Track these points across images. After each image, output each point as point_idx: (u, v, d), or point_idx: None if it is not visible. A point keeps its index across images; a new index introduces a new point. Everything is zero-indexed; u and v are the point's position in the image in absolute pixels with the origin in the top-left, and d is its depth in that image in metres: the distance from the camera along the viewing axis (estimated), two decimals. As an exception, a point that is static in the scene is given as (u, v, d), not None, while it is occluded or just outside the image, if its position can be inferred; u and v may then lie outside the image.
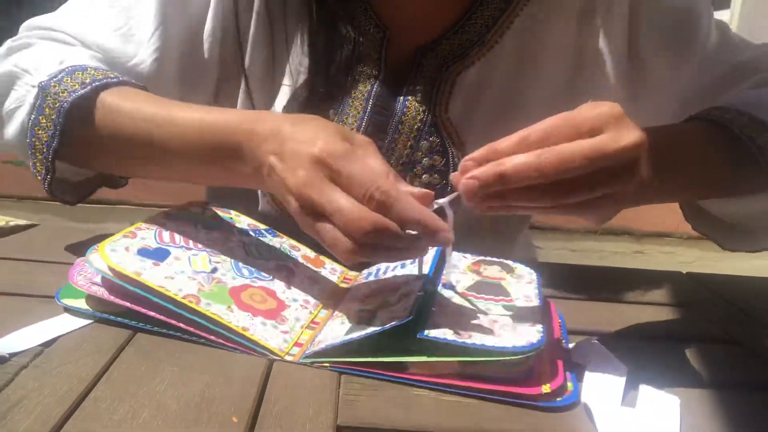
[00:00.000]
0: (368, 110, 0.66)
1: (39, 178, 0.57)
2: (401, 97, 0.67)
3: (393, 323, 0.44)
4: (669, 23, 0.68)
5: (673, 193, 0.54)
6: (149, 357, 0.44)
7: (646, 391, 0.44)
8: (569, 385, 0.44)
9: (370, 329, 0.45)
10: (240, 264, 0.54)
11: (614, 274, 0.73)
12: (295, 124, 0.48)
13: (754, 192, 0.58)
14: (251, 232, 0.60)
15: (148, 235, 0.53)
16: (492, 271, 0.57)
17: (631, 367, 0.47)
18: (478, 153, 0.42)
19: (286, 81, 0.68)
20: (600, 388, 0.44)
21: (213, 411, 0.38)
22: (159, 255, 0.51)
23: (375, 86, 0.67)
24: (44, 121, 0.54)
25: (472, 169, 0.41)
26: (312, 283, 0.56)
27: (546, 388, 0.42)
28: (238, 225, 0.60)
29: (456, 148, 0.68)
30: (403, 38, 0.67)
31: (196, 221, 0.57)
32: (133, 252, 0.50)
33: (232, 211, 0.62)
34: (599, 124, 0.40)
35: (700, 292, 0.69)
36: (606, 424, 0.40)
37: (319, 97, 0.66)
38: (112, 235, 0.51)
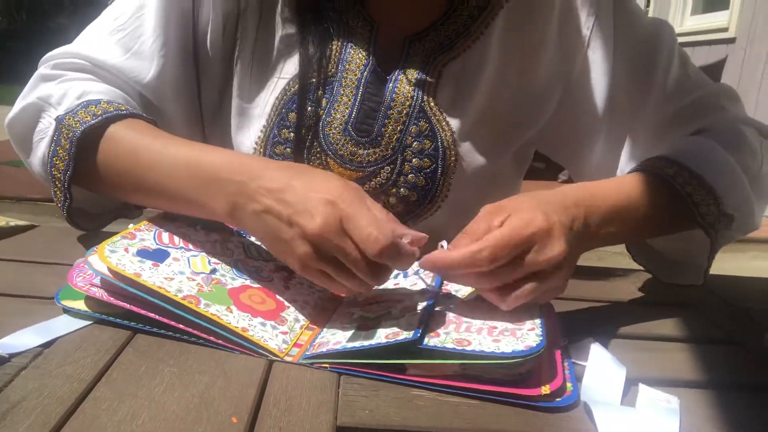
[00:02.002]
0: (359, 97, 0.68)
1: (59, 205, 0.61)
2: (390, 84, 0.69)
3: (399, 339, 0.44)
4: (636, 58, 0.71)
5: (619, 240, 0.61)
6: (149, 358, 0.44)
7: (645, 390, 0.44)
8: (568, 385, 0.44)
9: (375, 341, 0.45)
10: (239, 265, 0.55)
11: (614, 274, 0.74)
12: (295, 171, 0.51)
13: (686, 230, 0.64)
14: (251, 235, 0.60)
15: (147, 236, 0.53)
16: None
17: (631, 366, 0.47)
18: (434, 259, 0.48)
19: (281, 75, 0.69)
20: (599, 388, 0.44)
21: (212, 412, 0.38)
22: (158, 256, 0.51)
23: (365, 74, 0.69)
24: (61, 151, 0.59)
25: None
26: (311, 283, 0.56)
27: (545, 390, 0.42)
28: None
29: (445, 133, 0.69)
30: (391, 30, 0.69)
31: (195, 222, 0.57)
32: (133, 253, 0.50)
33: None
34: (531, 240, 0.48)
35: (700, 293, 0.69)
36: (606, 423, 0.40)
37: (311, 88, 0.68)
38: (111, 235, 0.51)
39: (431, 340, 0.44)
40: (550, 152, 0.80)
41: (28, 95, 0.65)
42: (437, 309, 0.51)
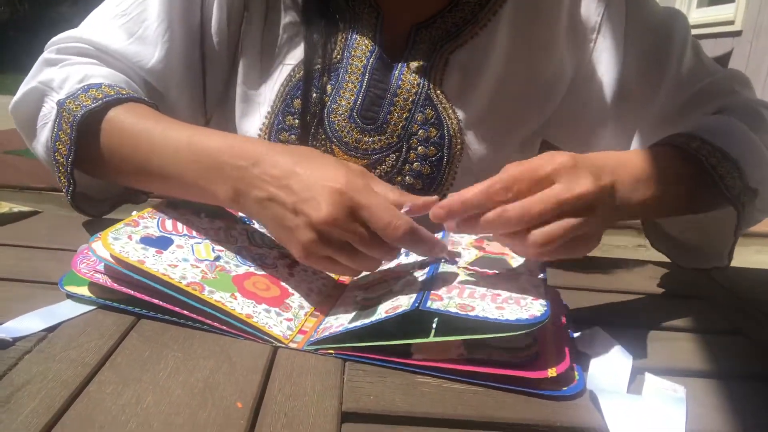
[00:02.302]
0: (365, 84, 0.68)
1: (64, 191, 0.61)
2: (396, 72, 0.68)
3: (398, 311, 0.44)
4: (648, 46, 0.70)
5: (642, 212, 0.58)
6: (153, 343, 0.44)
7: (651, 380, 0.44)
8: (575, 374, 0.44)
9: (375, 318, 0.44)
10: (243, 252, 0.54)
11: (621, 266, 0.73)
12: (298, 156, 0.50)
13: (710, 209, 0.62)
14: (254, 221, 0.60)
15: (151, 223, 0.53)
16: (495, 246, 0.56)
17: (637, 356, 0.47)
18: (447, 202, 0.46)
19: (286, 61, 0.69)
20: (605, 377, 0.44)
21: (217, 397, 0.38)
22: (162, 243, 0.50)
23: (371, 61, 0.68)
24: (63, 136, 0.58)
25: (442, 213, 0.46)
26: (315, 270, 0.56)
27: (552, 372, 0.42)
28: (241, 213, 0.60)
29: (451, 121, 0.69)
30: (398, 17, 0.69)
31: (199, 210, 0.57)
32: (136, 240, 0.49)
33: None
34: (555, 175, 0.45)
35: (706, 284, 0.68)
36: (612, 411, 0.40)
37: (316, 74, 0.68)
38: (115, 222, 0.51)
39: (434, 304, 0.44)
40: (559, 141, 0.79)
41: (31, 80, 0.65)
42: (440, 273, 0.50)
